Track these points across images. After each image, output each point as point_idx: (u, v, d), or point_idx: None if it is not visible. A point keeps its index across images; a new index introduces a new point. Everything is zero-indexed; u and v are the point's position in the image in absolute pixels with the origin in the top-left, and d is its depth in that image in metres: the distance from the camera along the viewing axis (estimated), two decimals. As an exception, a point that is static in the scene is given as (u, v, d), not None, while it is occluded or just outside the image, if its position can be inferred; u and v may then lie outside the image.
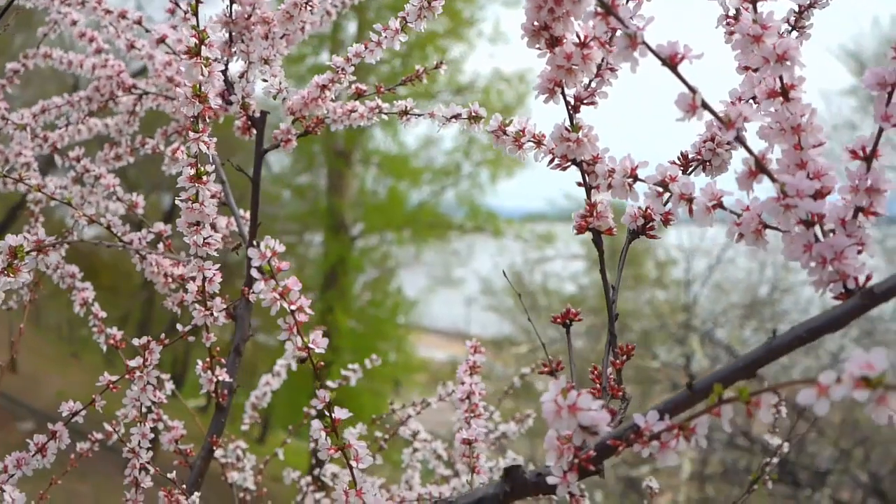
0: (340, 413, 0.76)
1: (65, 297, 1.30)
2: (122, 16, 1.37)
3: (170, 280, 1.25)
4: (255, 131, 1.20)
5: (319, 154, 10.24)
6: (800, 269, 0.64)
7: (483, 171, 10.22)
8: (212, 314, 1.04)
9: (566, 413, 0.60)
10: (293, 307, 0.72)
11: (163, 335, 1.09)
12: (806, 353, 6.74)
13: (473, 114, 1.05)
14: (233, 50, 1.16)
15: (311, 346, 0.74)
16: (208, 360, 1.10)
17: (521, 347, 8.34)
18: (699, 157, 0.83)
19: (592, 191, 0.78)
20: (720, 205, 0.68)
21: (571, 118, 0.76)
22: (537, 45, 0.72)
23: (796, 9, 0.88)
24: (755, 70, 0.67)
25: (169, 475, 1.09)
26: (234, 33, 1.15)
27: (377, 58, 1.11)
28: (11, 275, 0.86)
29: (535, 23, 0.71)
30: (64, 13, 1.44)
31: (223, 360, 1.12)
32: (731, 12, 0.77)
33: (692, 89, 0.62)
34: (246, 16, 1.14)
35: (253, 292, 0.75)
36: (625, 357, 0.77)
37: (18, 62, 1.54)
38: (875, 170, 0.63)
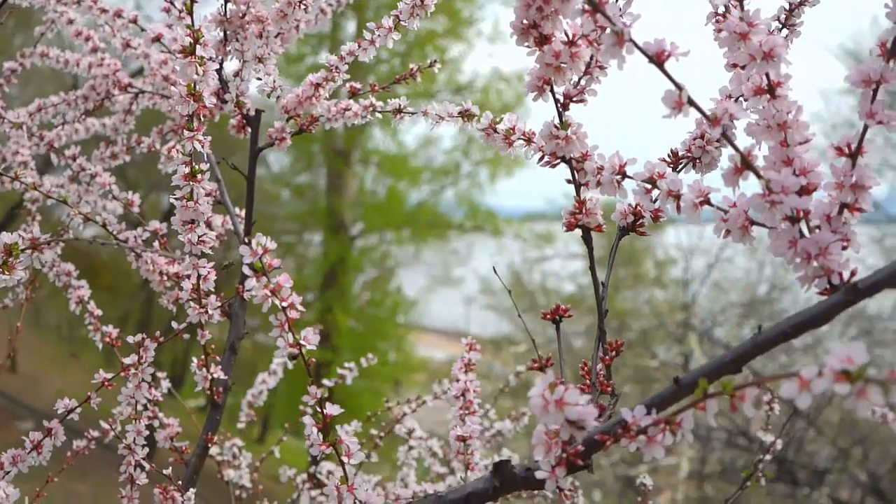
0: (332, 409, 0.76)
1: (64, 297, 1.31)
2: (118, 15, 1.37)
3: (165, 278, 1.26)
4: (249, 130, 1.20)
5: (319, 153, 10.25)
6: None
7: (482, 170, 10.23)
8: (207, 312, 1.05)
9: (553, 408, 0.61)
10: (285, 304, 0.73)
11: (158, 333, 1.10)
12: (805, 352, 6.75)
13: (466, 112, 1.05)
14: (227, 49, 1.16)
15: (302, 342, 0.74)
16: (203, 357, 1.10)
17: (520, 347, 8.35)
18: (689, 154, 0.84)
19: (582, 188, 0.78)
20: (707, 201, 0.68)
21: (560, 116, 0.77)
22: (526, 44, 0.72)
23: (787, 6, 0.89)
24: (742, 67, 0.68)
25: (165, 472, 1.09)
26: (228, 32, 1.16)
27: (371, 56, 1.11)
28: (6, 272, 0.86)
29: (525, 21, 0.71)
30: (60, 12, 1.45)
31: (218, 358, 1.12)
32: (721, 10, 0.77)
33: (679, 86, 0.63)
34: (240, 14, 1.14)
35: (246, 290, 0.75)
36: (614, 353, 0.78)
37: (16, 61, 1.55)
38: (860, 166, 0.63)
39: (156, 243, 1.26)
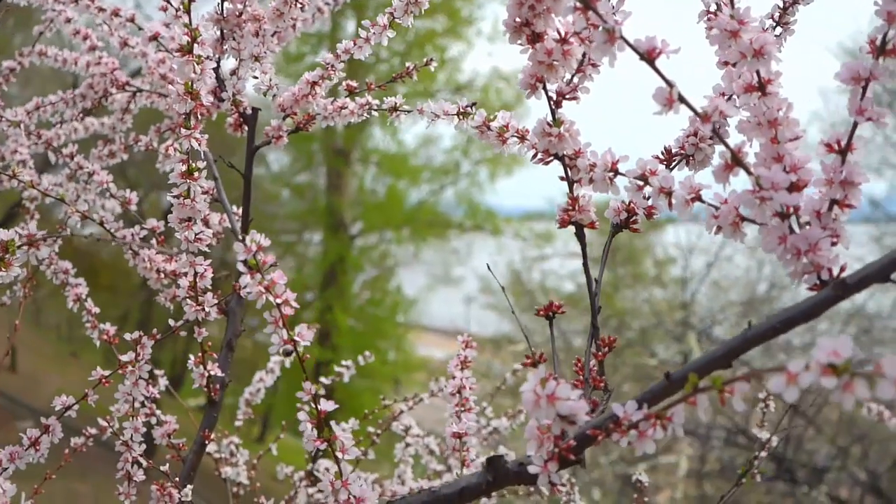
0: (326, 405, 0.76)
1: (64, 296, 1.31)
2: (116, 13, 1.37)
3: (162, 276, 1.26)
4: (246, 128, 1.21)
5: (318, 153, 10.26)
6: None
7: (482, 169, 10.24)
8: (203, 309, 1.05)
9: (545, 402, 0.61)
10: (279, 300, 0.73)
11: (154, 330, 1.10)
12: (804, 351, 6.75)
13: (462, 110, 1.06)
14: (224, 47, 1.17)
15: (296, 338, 0.75)
16: (200, 354, 1.11)
17: (520, 346, 8.35)
18: (682, 151, 0.84)
19: (575, 185, 0.79)
20: (699, 198, 0.69)
21: (553, 113, 0.77)
22: (519, 41, 0.73)
23: (781, 5, 0.89)
24: (734, 65, 0.68)
25: (162, 468, 1.10)
26: (225, 31, 1.16)
27: (366, 54, 1.12)
28: (3, 269, 0.87)
29: (517, 19, 0.72)
30: (58, 11, 1.45)
31: (215, 355, 1.13)
32: (712, 8, 0.78)
33: (669, 83, 0.63)
34: (237, 13, 1.15)
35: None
36: (607, 349, 0.78)
37: (14, 60, 1.55)
38: (850, 163, 0.64)
39: (153, 241, 1.26)
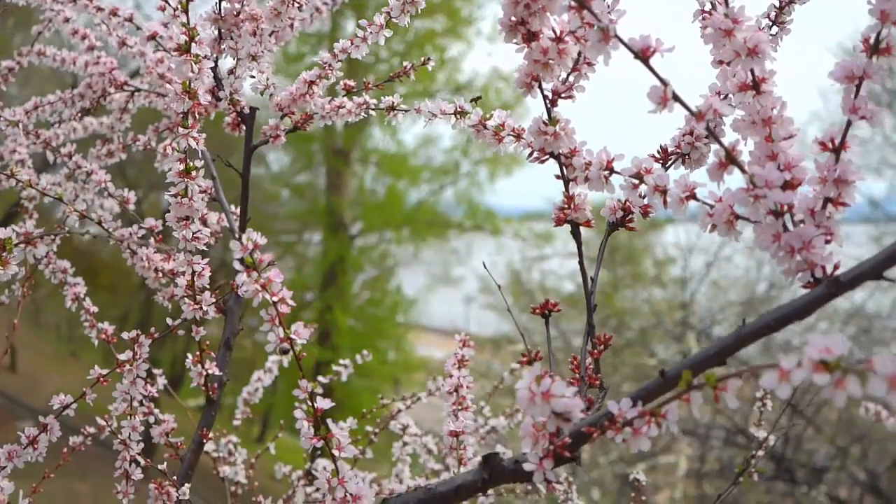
0: (323, 403, 0.77)
1: (63, 296, 1.32)
2: (114, 13, 1.38)
3: (160, 275, 1.26)
4: (244, 127, 1.21)
5: (318, 153, 10.27)
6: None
7: (482, 169, 10.25)
8: (201, 308, 1.05)
9: (540, 400, 0.62)
10: (275, 298, 0.74)
11: (153, 329, 1.11)
12: (803, 351, 6.74)
13: (459, 109, 1.06)
14: (222, 47, 1.17)
15: (293, 336, 0.75)
16: (198, 353, 1.11)
17: (519, 346, 8.35)
18: (678, 150, 0.84)
19: (570, 183, 0.79)
20: (693, 196, 0.69)
21: (549, 112, 0.77)
22: (515, 40, 0.73)
23: (777, 4, 0.90)
24: (728, 64, 0.69)
25: (160, 467, 1.10)
26: (223, 30, 1.16)
27: (363, 53, 1.12)
28: (1, 267, 0.87)
29: (513, 18, 0.72)
30: (57, 10, 1.45)
31: (213, 354, 1.13)
32: (707, 7, 0.78)
33: (664, 82, 0.63)
34: (235, 13, 1.15)
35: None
36: (602, 347, 0.78)
37: (13, 60, 1.55)
38: (844, 161, 0.64)
39: (151, 240, 1.26)
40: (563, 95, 0.77)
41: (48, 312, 9.87)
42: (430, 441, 1.60)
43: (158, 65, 1.41)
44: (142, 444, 1.10)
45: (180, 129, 0.97)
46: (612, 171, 0.76)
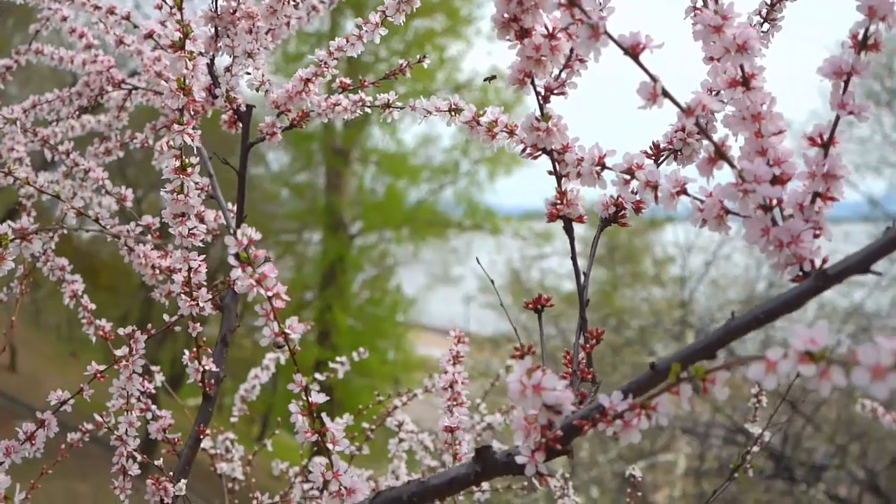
0: (317, 397, 0.77)
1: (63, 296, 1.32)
2: (111, 11, 1.38)
3: (157, 272, 1.27)
4: (241, 125, 1.22)
5: (318, 152, 10.28)
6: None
7: (481, 168, 10.26)
8: (198, 304, 1.06)
9: (531, 392, 0.62)
10: (270, 293, 0.74)
11: (150, 325, 1.11)
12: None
13: (454, 106, 1.06)
14: (218, 44, 1.17)
15: (287, 331, 0.75)
16: (195, 349, 1.11)
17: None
18: (671, 146, 0.85)
19: (563, 179, 0.80)
20: (684, 191, 0.69)
21: (542, 108, 0.78)
22: (507, 37, 0.73)
23: (768, 1, 0.90)
24: (718, 60, 0.69)
25: (157, 463, 1.11)
26: (219, 28, 1.17)
27: (359, 51, 1.13)
28: (-3, 263, 0.87)
29: (505, 14, 0.72)
30: (54, 9, 1.46)
31: (210, 350, 1.14)
32: (699, 3, 0.78)
33: (653, 78, 0.64)
34: (231, 11, 1.15)
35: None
36: (594, 341, 0.79)
37: (11, 58, 1.56)
38: (832, 156, 0.65)
39: (148, 237, 1.27)
40: (555, 92, 0.78)
41: (48, 312, 9.88)
42: (426, 438, 1.61)
43: (156, 63, 1.41)
44: (139, 441, 1.10)
45: (175, 126, 0.98)
46: (603, 166, 0.76)
